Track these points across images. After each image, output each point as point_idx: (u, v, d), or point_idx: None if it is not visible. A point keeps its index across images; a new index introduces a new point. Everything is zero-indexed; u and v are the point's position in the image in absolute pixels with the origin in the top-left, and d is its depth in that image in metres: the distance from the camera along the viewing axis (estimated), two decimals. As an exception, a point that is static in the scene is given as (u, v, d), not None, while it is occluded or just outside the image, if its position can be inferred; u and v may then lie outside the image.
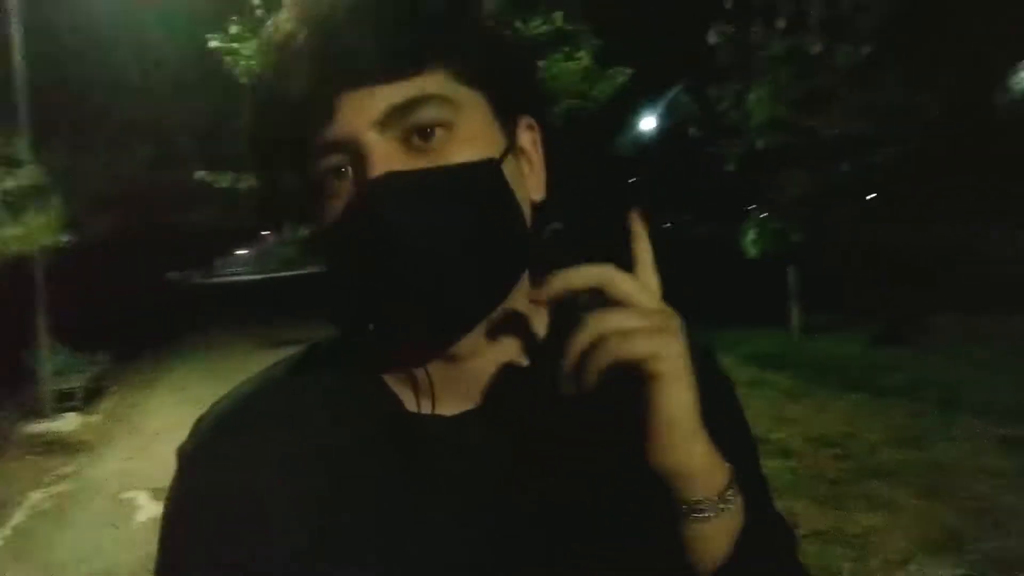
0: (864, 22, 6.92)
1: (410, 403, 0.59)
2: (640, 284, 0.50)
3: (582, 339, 0.47)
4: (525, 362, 0.60)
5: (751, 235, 8.09)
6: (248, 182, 7.88)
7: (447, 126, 0.52)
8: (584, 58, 7.31)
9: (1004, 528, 3.26)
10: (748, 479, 0.54)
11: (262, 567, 0.54)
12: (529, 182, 0.60)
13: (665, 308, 0.50)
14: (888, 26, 6.91)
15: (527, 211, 0.58)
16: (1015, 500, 3.54)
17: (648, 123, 17.33)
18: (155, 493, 4.88)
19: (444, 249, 0.51)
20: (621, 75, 7.73)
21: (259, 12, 6.57)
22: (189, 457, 0.60)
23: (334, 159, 0.52)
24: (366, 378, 0.61)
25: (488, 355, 0.58)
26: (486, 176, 0.53)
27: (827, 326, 8.04)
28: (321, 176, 0.52)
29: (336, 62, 0.50)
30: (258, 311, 13.97)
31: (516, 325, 0.59)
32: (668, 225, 20.65)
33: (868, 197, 9.46)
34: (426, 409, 0.59)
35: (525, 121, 0.60)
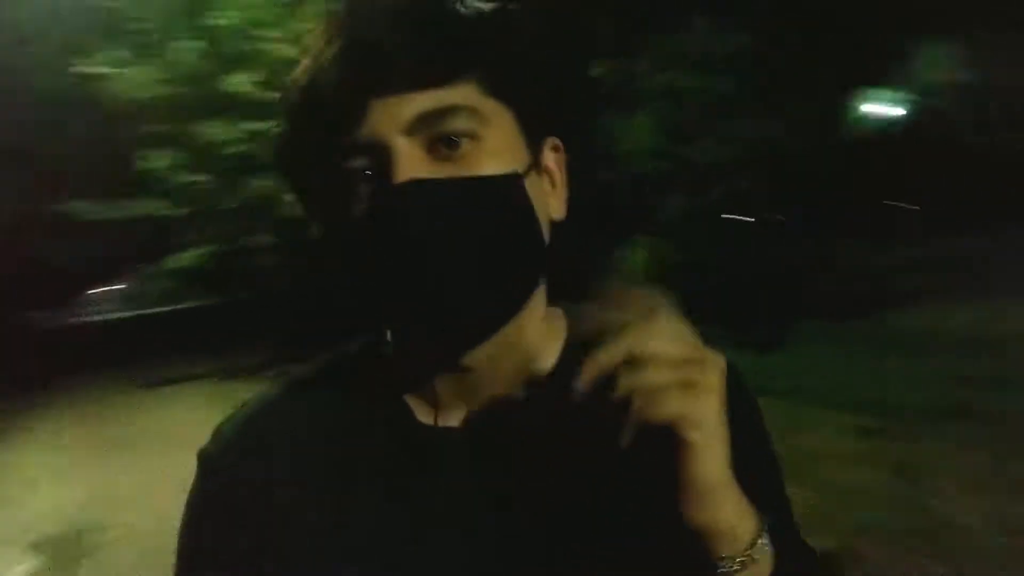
0: (726, 60, 7.57)
1: (421, 414, 0.59)
2: (670, 331, 0.47)
3: (615, 397, 0.45)
4: (538, 378, 0.60)
5: (636, 258, 8.52)
6: (122, 212, 7.47)
7: (474, 137, 0.52)
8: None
9: (862, 504, 3.67)
10: (771, 504, 0.53)
11: (272, 570, 0.56)
12: (550, 201, 0.60)
13: (702, 353, 0.48)
14: (744, 62, 7.59)
15: (546, 228, 0.58)
16: (869, 479, 3.99)
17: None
18: (32, 548, 4.52)
19: (460, 259, 0.51)
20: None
21: (136, 39, 6.37)
22: (208, 461, 0.61)
23: (360, 161, 0.52)
24: (380, 388, 0.61)
25: (500, 369, 0.58)
26: (508, 189, 0.53)
27: (710, 338, 8.56)
28: (346, 178, 0.52)
29: (370, 67, 0.50)
30: (134, 349, 13.10)
31: (530, 341, 0.59)
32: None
33: (740, 217, 10.22)
34: (437, 420, 0.59)
35: (551, 141, 0.61)
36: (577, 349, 0.54)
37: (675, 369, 0.46)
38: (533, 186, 0.56)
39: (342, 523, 0.56)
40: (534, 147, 0.58)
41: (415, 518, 0.56)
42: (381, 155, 0.51)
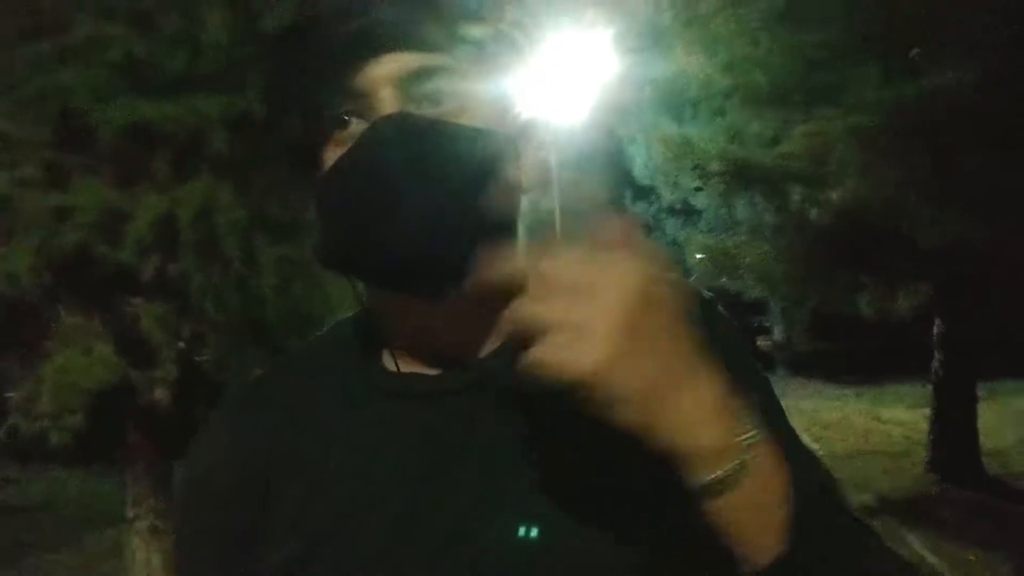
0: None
1: (390, 363, 0.61)
2: (559, 265, 0.45)
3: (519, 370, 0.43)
4: (501, 329, 0.60)
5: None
6: None
7: (456, 99, 0.55)
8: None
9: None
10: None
11: (254, 538, 0.57)
12: (521, 173, 0.60)
13: (595, 274, 0.43)
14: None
15: (515, 194, 0.58)
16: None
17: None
18: None
19: (436, 200, 0.52)
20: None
21: None
22: (196, 441, 0.65)
23: (348, 106, 0.54)
24: (362, 345, 0.63)
25: (469, 318, 0.59)
26: (490, 143, 0.55)
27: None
28: (332, 123, 0.55)
29: (371, 25, 0.53)
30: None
31: (496, 295, 0.57)
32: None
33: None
34: (409, 368, 0.60)
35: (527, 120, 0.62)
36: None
37: (549, 313, 0.42)
38: (509, 152, 0.57)
39: (321, 486, 0.57)
40: (508, 120, 0.59)
41: (385, 468, 0.57)
42: (368, 104, 0.54)
